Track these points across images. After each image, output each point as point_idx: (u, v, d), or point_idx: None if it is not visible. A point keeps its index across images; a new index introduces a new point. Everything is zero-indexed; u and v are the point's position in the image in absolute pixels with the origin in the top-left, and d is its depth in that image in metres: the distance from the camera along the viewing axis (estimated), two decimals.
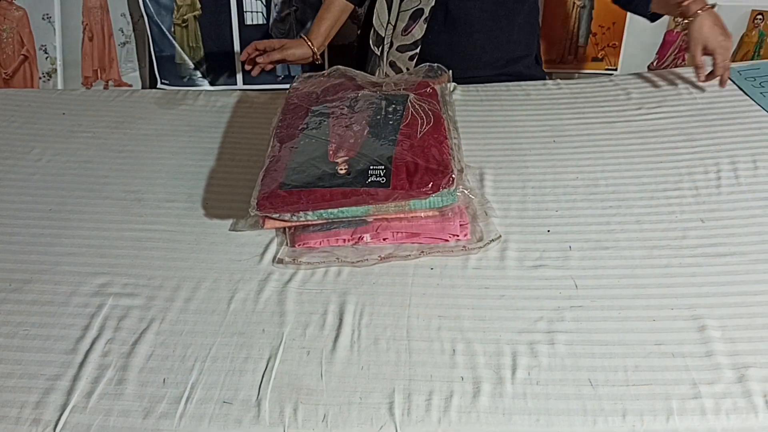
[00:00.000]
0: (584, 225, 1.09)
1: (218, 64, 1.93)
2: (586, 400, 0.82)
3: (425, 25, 1.49)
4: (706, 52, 1.34)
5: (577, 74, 1.91)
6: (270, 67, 1.46)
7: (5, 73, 1.88)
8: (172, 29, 1.90)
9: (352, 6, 1.56)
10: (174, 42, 1.91)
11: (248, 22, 1.88)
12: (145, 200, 1.18)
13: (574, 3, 1.84)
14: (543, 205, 1.14)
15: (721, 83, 1.38)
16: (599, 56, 1.88)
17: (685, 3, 1.34)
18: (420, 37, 1.50)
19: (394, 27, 1.50)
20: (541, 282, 0.98)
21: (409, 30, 1.48)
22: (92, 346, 0.89)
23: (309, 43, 1.49)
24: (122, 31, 1.90)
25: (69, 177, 1.24)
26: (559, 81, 1.53)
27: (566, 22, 1.88)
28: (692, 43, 1.34)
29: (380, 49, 1.53)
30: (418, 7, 1.47)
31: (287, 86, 1.68)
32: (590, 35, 1.86)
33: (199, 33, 1.91)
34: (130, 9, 1.89)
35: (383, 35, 1.51)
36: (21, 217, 1.14)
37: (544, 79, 1.59)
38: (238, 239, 1.08)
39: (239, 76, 1.93)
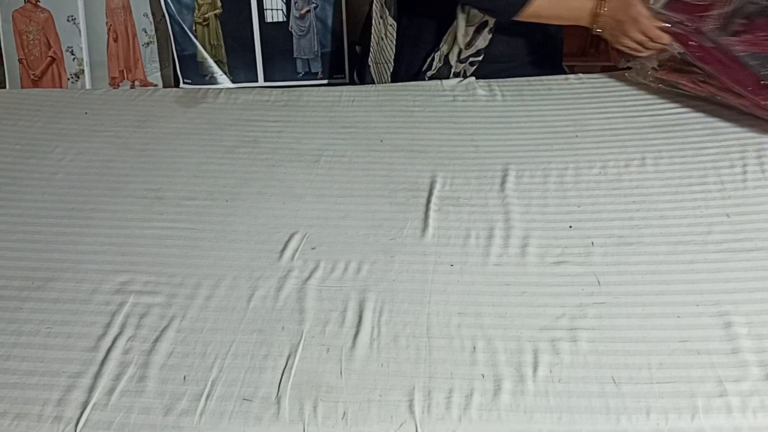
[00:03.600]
0: (607, 221, 1.07)
1: (239, 62, 1.93)
2: (609, 398, 0.80)
3: (490, 36, 1.45)
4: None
5: (599, 67, 1.89)
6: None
7: (33, 74, 1.90)
8: (194, 28, 1.90)
9: None
10: (195, 40, 1.91)
11: (268, 19, 1.87)
12: (165, 198, 1.18)
13: None
14: (565, 201, 1.12)
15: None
16: None
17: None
18: (484, 46, 1.46)
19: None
20: (563, 278, 0.97)
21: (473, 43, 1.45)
22: (114, 343, 0.90)
23: None
24: (146, 32, 1.91)
25: (91, 176, 1.25)
26: (581, 75, 1.51)
27: None
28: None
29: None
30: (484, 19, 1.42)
31: (307, 83, 1.69)
32: None
33: (220, 31, 1.91)
34: (152, 8, 1.90)
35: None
36: (44, 215, 1.15)
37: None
38: (258, 236, 1.08)
39: (260, 73, 1.93)
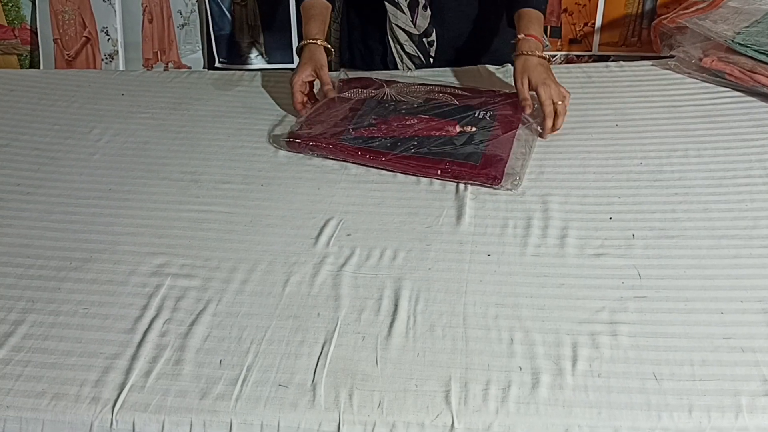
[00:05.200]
0: (648, 213, 1.05)
1: (276, 43, 1.93)
2: (650, 395, 0.79)
3: (427, 12, 1.44)
4: (531, 86, 1.24)
5: (640, 57, 1.85)
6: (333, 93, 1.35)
7: (68, 54, 1.92)
8: (232, 8, 1.90)
9: (330, 6, 1.44)
10: (232, 20, 1.91)
11: None
12: (201, 181, 1.18)
13: None
14: (605, 192, 1.10)
15: (545, 128, 1.23)
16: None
17: (521, 37, 1.28)
18: (426, 26, 1.45)
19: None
20: (602, 271, 0.95)
21: (414, 21, 1.44)
22: (150, 325, 0.90)
23: (323, 45, 1.35)
24: (180, 13, 1.91)
25: (128, 157, 1.26)
26: (621, 63, 1.48)
27: (629, 2, 1.81)
28: (518, 75, 1.26)
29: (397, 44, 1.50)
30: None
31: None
32: (655, 16, 1.79)
33: (258, 12, 1.91)
34: None
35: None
36: (81, 196, 1.15)
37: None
38: (293, 222, 1.08)
39: (296, 55, 1.92)
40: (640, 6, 1.81)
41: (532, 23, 1.30)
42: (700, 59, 1.36)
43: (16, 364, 0.85)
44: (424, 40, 1.46)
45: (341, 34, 1.61)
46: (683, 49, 1.41)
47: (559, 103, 1.21)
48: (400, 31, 1.45)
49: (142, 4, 1.90)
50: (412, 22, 1.43)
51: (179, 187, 1.17)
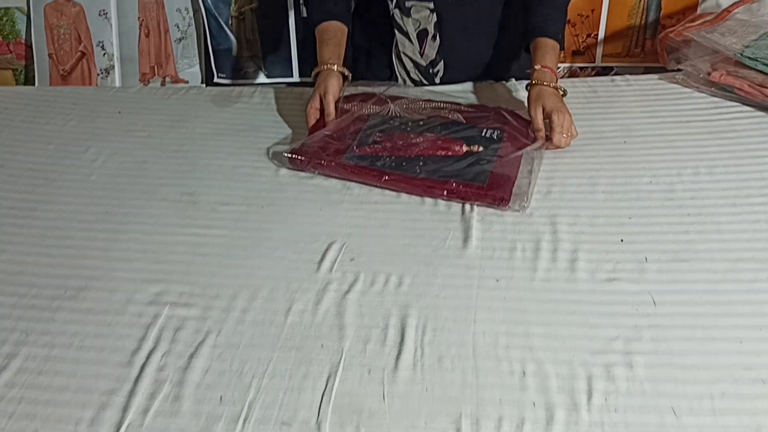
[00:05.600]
0: (660, 234, 1.02)
1: (275, 57, 1.90)
2: (668, 430, 0.75)
3: (435, 43, 1.41)
4: (545, 114, 1.21)
5: (643, 68, 1.82)
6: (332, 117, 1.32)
7: (63, 69, 1.88)
8: (230, 22, 1.87)
9: (347, 28, 1.41)
10: (231, 35, 1.88)
11: (304, 14, 1.84)
12: (200, 203, 1.15)
13: None
14: (615, 212, 1.07)
15: (556, 144, 1.21)
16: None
17: (536, 68, 1.26)
18: (433, 56, 1.42)
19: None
20: (615, 297, 0.92)
21: (422, 51, 1.41)
22: (148, 359, 0.87)
23: (338, 70, 1.34)
24: (178, 27, 1.88)
25: (125, 178, 1.22)
26: (627, 77, 1.45)
27: (632, 13, 1.79)
28: (532, 103, 1.23)
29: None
30: (421, 28, 1.40)
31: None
32: (659, 27, 1.77)
33: (256, 26, 1.88)
34: (192, 2, 1.86)
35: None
36: (77, 219, 1.12)
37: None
38: (295, 245, 1.05)
39: (295, 69, 1.89)
40: (644, 17, 1.78)
41: (547, 53, 1.28)
42: (709, 73, 1.33)
43: (9, 402, 0.82)
44: (430, 69, 1.43)
45: (345, 53, 1.58)
46: (691, 62, 1.38)
47: (565, 136, 1.20)
48: (407, 59, 1.42)
49: (139, 17, 1.87)
50: (419, 52, 1.41)
51: (177, 209, 1.14)
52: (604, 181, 1.14)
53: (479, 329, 0.89)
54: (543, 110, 1.21)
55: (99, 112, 1.44)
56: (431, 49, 1.41)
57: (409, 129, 1.27)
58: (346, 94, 1.36)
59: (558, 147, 1.21)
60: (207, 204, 1.15)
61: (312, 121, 1.31)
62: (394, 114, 1.32)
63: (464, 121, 1.28)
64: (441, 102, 1.34)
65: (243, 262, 1.02)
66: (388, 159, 1.19)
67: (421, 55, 1.41)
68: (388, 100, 1.35)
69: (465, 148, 1.20)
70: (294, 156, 1.21)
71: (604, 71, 1.83)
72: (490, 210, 1.09)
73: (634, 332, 0.87)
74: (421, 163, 1.17)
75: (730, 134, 1.23)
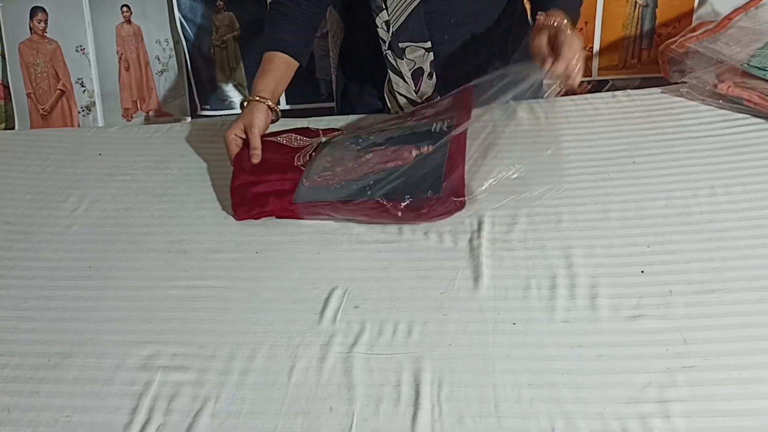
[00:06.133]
0: (683, 263, 0.96)
1: None
2: None
3: (432, 81, 1.35)
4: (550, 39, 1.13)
5: (639, 80, 1.77)
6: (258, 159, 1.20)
7: (43, 109, 1.82)
8: (212, 51, 1.81)
9: (297, 63, 1.33)
10: (213, 65, 1.82)
11: None
12: (190, 251, 1.08)
13: (635, 2, 1.70)
14: (632, 240, 1.01)
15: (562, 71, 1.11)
16: None
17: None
18: (429, 93, 1.37)
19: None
20: (642, 336, 0.86)
21: (417, 89, 1.35)
22: None
23: (267, 104, 1.24)
24: (158, 59, 1.82)
25: (108, 228, 1.15)
26: (629, 91, 1.39)
27: (627, 23, 1.74)
28: (534, 31, 1.15)
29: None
30: (416, 67, 1.33)
31: (332, 104, 1.59)
32: (654, 36, 1.72)
33: (239, 53, 1.82)
34: (172, 34, 1.80)
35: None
36: (58, 277, 1.05)
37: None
38: (294, 294, 0.98)
39: (282, 96, 1.83)
40: (639, 27, 1.74)
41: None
42: (715, 85, 1.28)
43: None
44: None
45: (336, 83, 1.52)
46: (695, 74, 1.33)
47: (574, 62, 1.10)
48: (402, 97, 1.36)
49: (117, 52, 1.81)
50: (414, 90, 1.34)
51: (166, 259, 1.07)
52: (616, 206, 1.08)
53: (500, 381, 0.82)
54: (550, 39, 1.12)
55: (79, 155, 1.37)
56: (428, 86, 1.35)
57: (358, 148, 1.19)
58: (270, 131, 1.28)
59: (568, 82, 1.11)
60: (197, 253, 1.08)
61: (234, 150, 1.21)
62: (343, 136, 1.25)
63: (414, 123, 1.20)
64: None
65: (239, 317, 0.95)
66: (335, 187, 1.11)
67: (416, 92, 1.35)
68: (321, 133, 1.29)
69: (414, 153, 1.12)
70: (240, 210, 1.13)
71: (599, 85, 1.78)
72: (500, 243, 1.03)
73: (666, 376, 0.80)
74: (370, 183, 1.09)
75: (743, 149, 1.17)
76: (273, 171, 1.17)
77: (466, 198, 1.07)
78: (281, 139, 1.27)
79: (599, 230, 1.04)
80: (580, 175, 1.16)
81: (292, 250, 1.06)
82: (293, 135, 1.28)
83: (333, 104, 1.58)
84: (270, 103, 1.24)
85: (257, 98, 1.23)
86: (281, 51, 1.29)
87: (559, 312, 0.90)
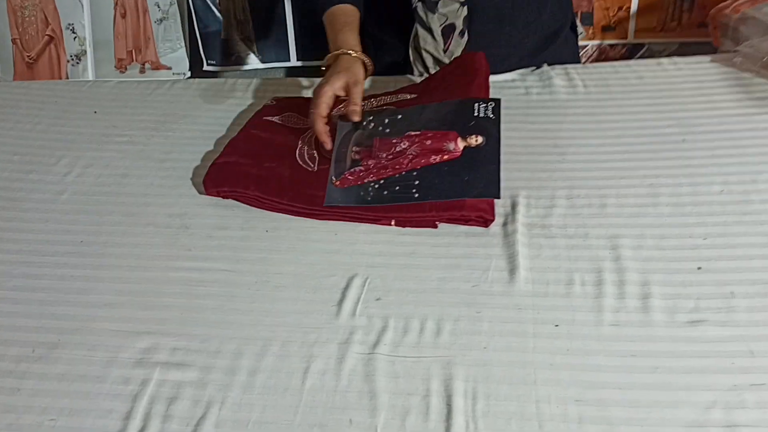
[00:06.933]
0: (744, 259, 0.85)
1: (269, 39, 1.71)
2: None
3: (463, 39, 1.23)
4: None
5: (678, 44, 1.64)
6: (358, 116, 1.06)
7: (28, 56, 1.69)
8: (218, 1, 1.68)
9: (358, 12, 1.20)
10: (219, 15, 1.69)
11: None
12: (193, 227, 0.98)
13: None
14: (686, 231, 0.90)
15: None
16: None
17: None
18: (460, 54, 1.23)
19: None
20: (703, 346, 0.76)
21: (447, 48, 1.22)
22: None
23: (362, 58, 1.10)
24: (158, 6, 1.68)
25: (103, 196, 1.05)
26: (676, 59, 1.27)
27: None
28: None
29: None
30: (448, 23, 1.20)
31: None
32: None
33: (247, 4, 1.68)
34: None
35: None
36: (47, 252, 0.95)
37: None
38: (308, 281, 0.88)
39: (293, 51, 1.70)
40: None
41: None
42: None
43: None
44: None
45: None
46: (750, 43, 1.20)
47: None
48: (428, 55, 1.23)
49: None
50: (443, 49, 1.22)
51: (166, 236, 0.97)
52: (667, 190, 0.97)
53: (543, 395, 0.72)
54: None
55: (71, 112, 1.26)
56: (458, 46, 1.22)
57: (387, 131, 1.05)
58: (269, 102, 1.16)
59: None
60: (201, 228, 0.97)
61: (323, 109, 1.03)
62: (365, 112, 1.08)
63: (444, 101, 1.07)
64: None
65: (248, 306, 0.85)
66: (375, 186, 0.98)
67: (445, 52, 1.22)
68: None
69: (461, 145, 0.99)
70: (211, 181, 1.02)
71: (634, 49, 1.65)
72: (537, 229, 0.92)
73: (734, 395, 0.70)
74: (417, 183, 0.96)
75: None
76: (270, 155, 1.05)
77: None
78: (277, 119, 1.14)
79: (649, 217, 0.93)
80: (624, 153, 1.05)
81: (307, 230, 0.96)
82: (293, 115, 1.15)
83: None
84: (364, 58, 1.11)
85: (353, 53, 1.10)
86: (346, 2, 1.18)
87: (607, 314, 0.80)
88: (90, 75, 1.70)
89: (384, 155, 1.01)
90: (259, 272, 0.90)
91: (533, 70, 1.26)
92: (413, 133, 1.02)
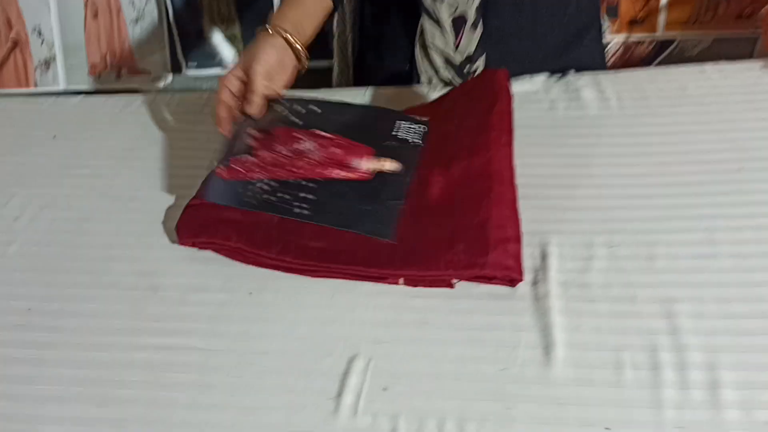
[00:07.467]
0: None
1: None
2: None
3: (476, 32, 1.06)
4: None
5: (712, 40, 1.47)
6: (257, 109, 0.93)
7: None
8: None
9: (331, 4, 1.04)
10: (201, 12, 1.52)
11: None
12: (163, 289, 0.82)
13: None
14: (754, 292, 0.75)
15: None
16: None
17: None
18: (472, 50, 1.07)
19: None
20: None
21: (458, 42, 1.06)
22: None
23: (287, 38, 0.94)
24: (133, 5, 1.51)
25: (59, 248, 0.89)
26: (723, 66, 1.10)
27: None
28: None
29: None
30: (458, 13, 1.04)
31: None
32: None
33: (232, 1, 1.51)
34: None
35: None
36: None
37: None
38: (299, 363, 0.73)
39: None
40: None
41: None
42: None
43: None
44: (466, 67, 1.08)
45: (350, 45, 1.22)
46: None
47: None
48: (437, 53, 1.06)
49: None
50: (454, 44, 1.05)
51: (131, 301, 0.81)
52: (726, 236, 0.81)
53: None
54: None
55: (28, 137, 1.10)
56: (470, 40, 1.05)
57: (300, 121, 0.92)
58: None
59: None
60: (173, 291, 0.82)
61: (223, 113, 0.93)
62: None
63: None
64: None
65: (226, 399, 0.70)
66: (262, 186, 0.86)
67: (456, 48, 1.05)
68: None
69: (372, 165, 0.85)
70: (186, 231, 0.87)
71: (663, 45, 1.48)
72: (574, 290, 0.77)
73: None
74: (311, 197, 0.83)
75: None
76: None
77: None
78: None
79: (707, 273, 0.77)
80: (672, 186, 0.89)
81: (297, 292, 0.81)
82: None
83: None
84: (290, 37, 0.94)
85: (268, 28, 0.94)
86: None
87: (669, 411, 0.65)
88: (61, 83, 1.54)
89: (283, 150, 0.88)
90: (240, 351, 0.74)
91: (558, 79, 1.09)
92: (322, 133, 0.89)
